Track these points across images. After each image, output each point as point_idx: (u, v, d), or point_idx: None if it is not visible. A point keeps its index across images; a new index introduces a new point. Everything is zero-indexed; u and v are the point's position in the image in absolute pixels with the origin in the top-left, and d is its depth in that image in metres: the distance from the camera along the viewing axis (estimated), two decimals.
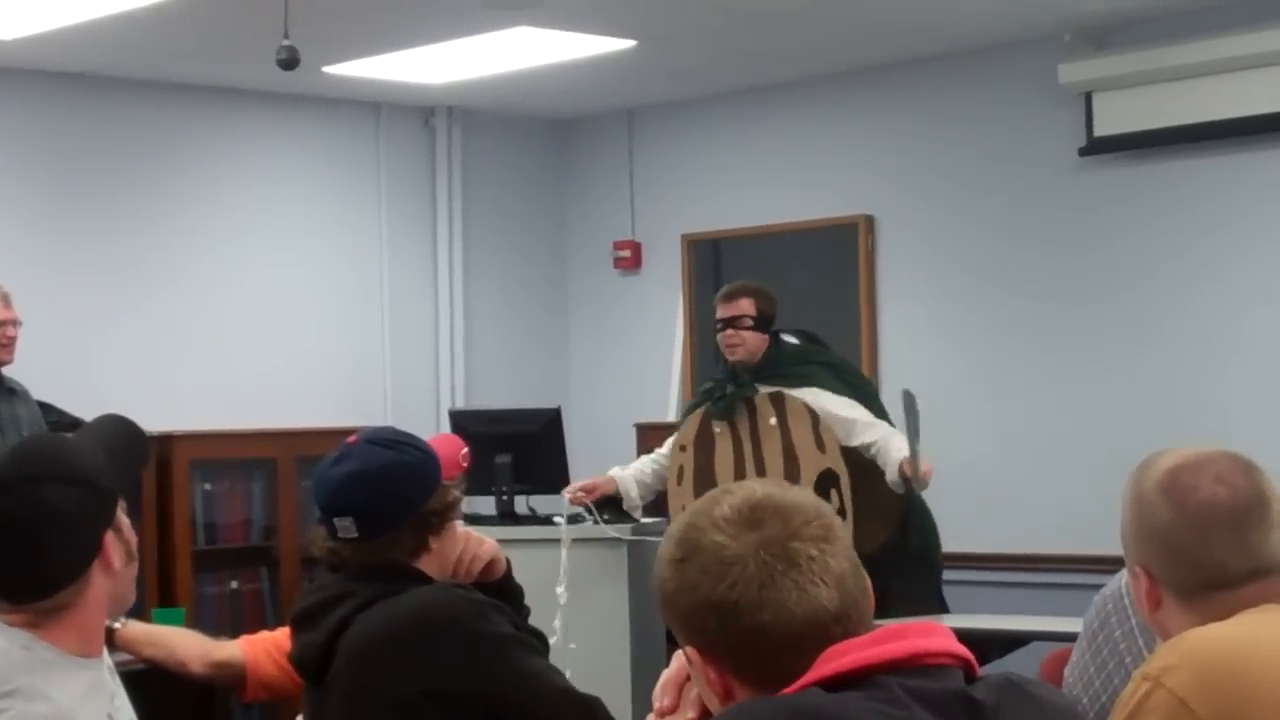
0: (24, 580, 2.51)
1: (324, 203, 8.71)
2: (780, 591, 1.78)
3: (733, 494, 1.86)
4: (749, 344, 6.41)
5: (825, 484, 6.23)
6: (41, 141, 7.89)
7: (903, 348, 8.08)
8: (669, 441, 6.68)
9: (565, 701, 3.00)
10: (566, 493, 6.68)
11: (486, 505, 7.78)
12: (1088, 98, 7.35)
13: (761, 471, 6.34)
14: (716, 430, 6.48)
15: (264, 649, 4.51)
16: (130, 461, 2.68)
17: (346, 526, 3.04)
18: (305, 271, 8.59)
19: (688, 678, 1.94)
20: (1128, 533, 2.48)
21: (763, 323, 6.44)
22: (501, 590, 3.25)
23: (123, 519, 2.59)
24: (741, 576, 1.79)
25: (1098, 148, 7.35)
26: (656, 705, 1.95)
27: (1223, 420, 6.81)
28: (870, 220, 8.17)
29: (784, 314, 8.29)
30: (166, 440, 7.42)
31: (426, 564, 3.08)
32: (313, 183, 8.68)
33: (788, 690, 1.77)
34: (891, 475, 6.16)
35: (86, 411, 6.64)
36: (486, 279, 9.15)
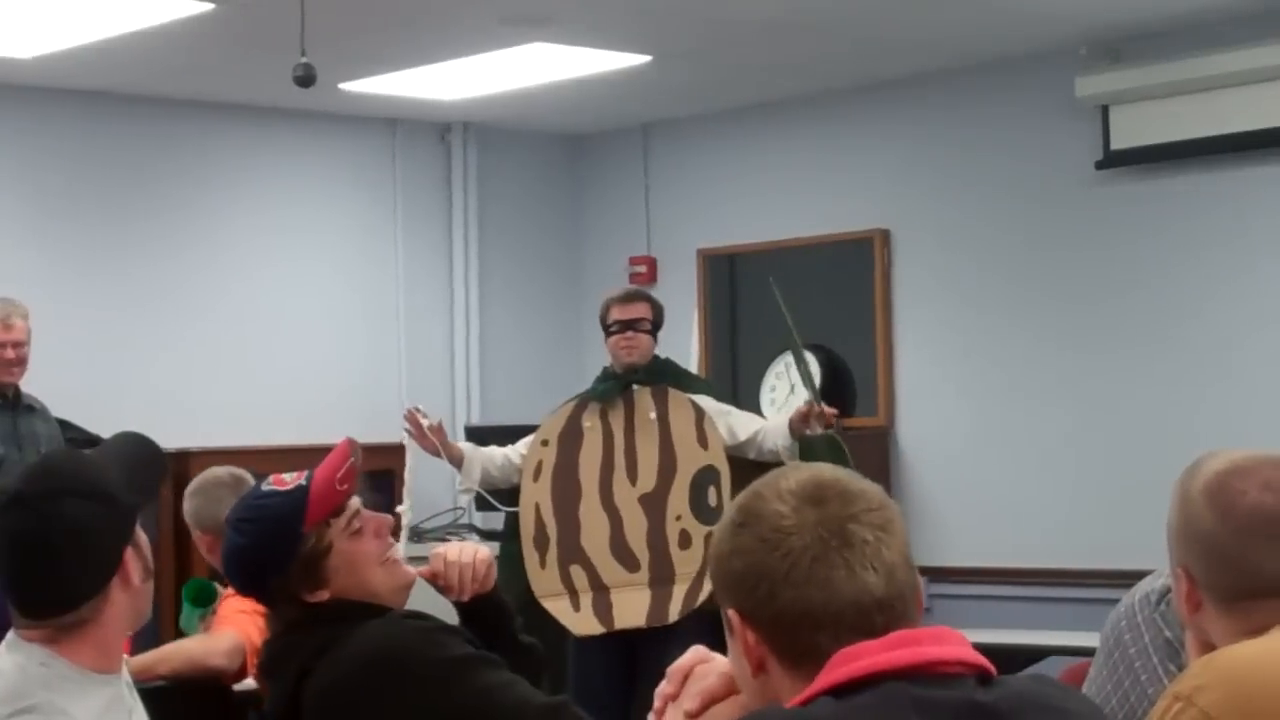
0: (45, 595, 2.51)
1: (340, 218, 8.72)
2: (830, 568, 1.80)
3: (801, 471, 1.88)
4: (643, 347, 6.22)
5: (704, 481, 6.02)
6: (57, 159, 7.90)
7: (919, 362, 8.07)
8: (528, 438, 6.35)
9: (530, 711, 2.98)
10: (409, 406, 6.26)
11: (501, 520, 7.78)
12: (1104, 111, 7.34)
13: (633, 469, 6.13)
14: (586, 425, 6.20)
15: (236, 614, 4.59)
16: (148, 479, 2.68)
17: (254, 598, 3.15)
18: (321, 287, 8.60)
19: (689, 671, 1.95)
20: (1173, 533, 2.44)
21: (655, 330, 6.31)
22: (489, 606, 3.25)
23: (141, 535, 2.59)
24: (795, 547, 1.81)
25: (1114, 161, 7.34)
26: (660, 690, 1.96)
27: (1241, 432, 6.78)
28: (886, 234, 8.17)
29: (801, 328, 8.31)
30: (183, 457, 7.41)
31: (348, 587, 3.05)
32: (329, 199, 8.69)
33: (799, 698, 1.77)
34: (780, 439, 5.94)
35: (104, 428, 6.64)
36: (502, 294, 9.15)
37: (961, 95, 7.90)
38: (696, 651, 1.97)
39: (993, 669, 1.82)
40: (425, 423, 6.19)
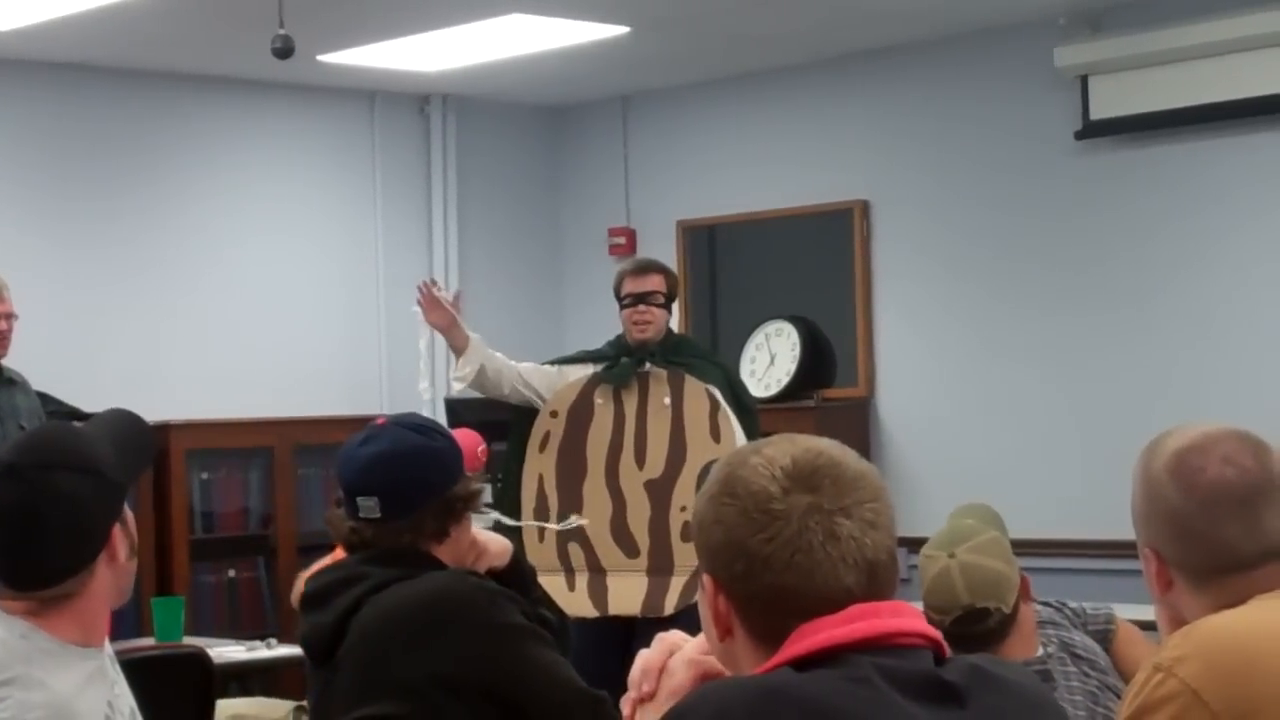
0: (32, 568, 2.51)
1: (319, 191, 8.70)
2: (813, 562, 1.77)
3: (796, 445, 1.83)
4: (658, 322, 6.06)
5: None
6: (35, 132, 7.87)
7: (898, 332, 8.08)
8: (529, 364, 6.17)
9: (572, 695, 3.01)
10: (423, 279, 6.23)
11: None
12: (1084, 81, 7.34)
13: (641, 453, 6.00)
14: (599, 401, 6.05)
15: None
16: (137, 457, 2.68)
17: (370, 507, 3.05)
18: (301, 259, 8.58)
19: (663, 669, 1.93)
20: (1137, 514, 2.42)
21: (669, 302, 6.14)
22: (514, 574, 3.26)
23: (127, 513, 2.59)
24: (781, 533, 1.78)
25: (1094, 131, 7.35)
26: (633, 691, 1.93)
27: (1220, 402, 6.81)
28: (865, 205, 8.17)
29: (780, 299, 8.32)
30: (163, 430, 7.42)
31: (443, 552, 3.09)
32: (308, 171, 8.67)
33: (760, 670, 1.77)
34: None
35: (84, 401, 6.67)
36: (481, 266, 9.14)
37: (941, 66, 7.90)
38: (664, 642, 1.95)
39: (945, 646, 1.82)
40: (442, 294, 6.07)
